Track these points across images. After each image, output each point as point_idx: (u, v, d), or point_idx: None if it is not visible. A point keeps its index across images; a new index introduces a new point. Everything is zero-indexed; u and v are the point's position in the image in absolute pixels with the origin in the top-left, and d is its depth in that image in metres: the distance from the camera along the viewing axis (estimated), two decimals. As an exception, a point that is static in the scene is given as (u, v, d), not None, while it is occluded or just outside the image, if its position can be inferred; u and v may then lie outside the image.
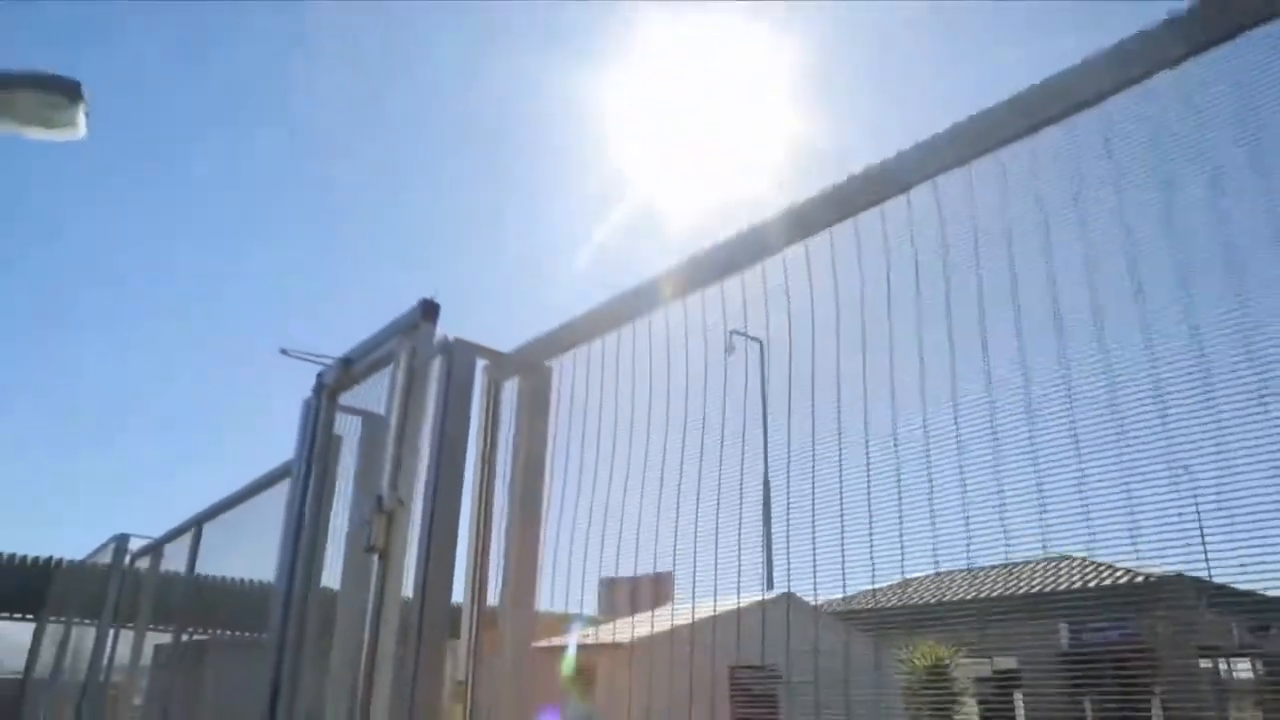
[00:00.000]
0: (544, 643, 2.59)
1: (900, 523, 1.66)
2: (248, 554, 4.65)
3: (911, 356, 1.74)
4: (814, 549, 1.78)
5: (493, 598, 2.47)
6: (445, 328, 2.52)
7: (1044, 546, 1.57)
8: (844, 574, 1.73)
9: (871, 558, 1.74)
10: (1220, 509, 1.33)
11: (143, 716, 5.95)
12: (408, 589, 2.34)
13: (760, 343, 2.07)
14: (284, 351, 2.98)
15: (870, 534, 1.74)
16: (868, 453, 1.74)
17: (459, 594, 2.43)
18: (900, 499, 1.70)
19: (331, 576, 3.11)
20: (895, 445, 1.73)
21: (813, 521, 1.83)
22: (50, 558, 15.98)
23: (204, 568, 5.54)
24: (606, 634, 2.56)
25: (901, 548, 1.65)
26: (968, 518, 1.62)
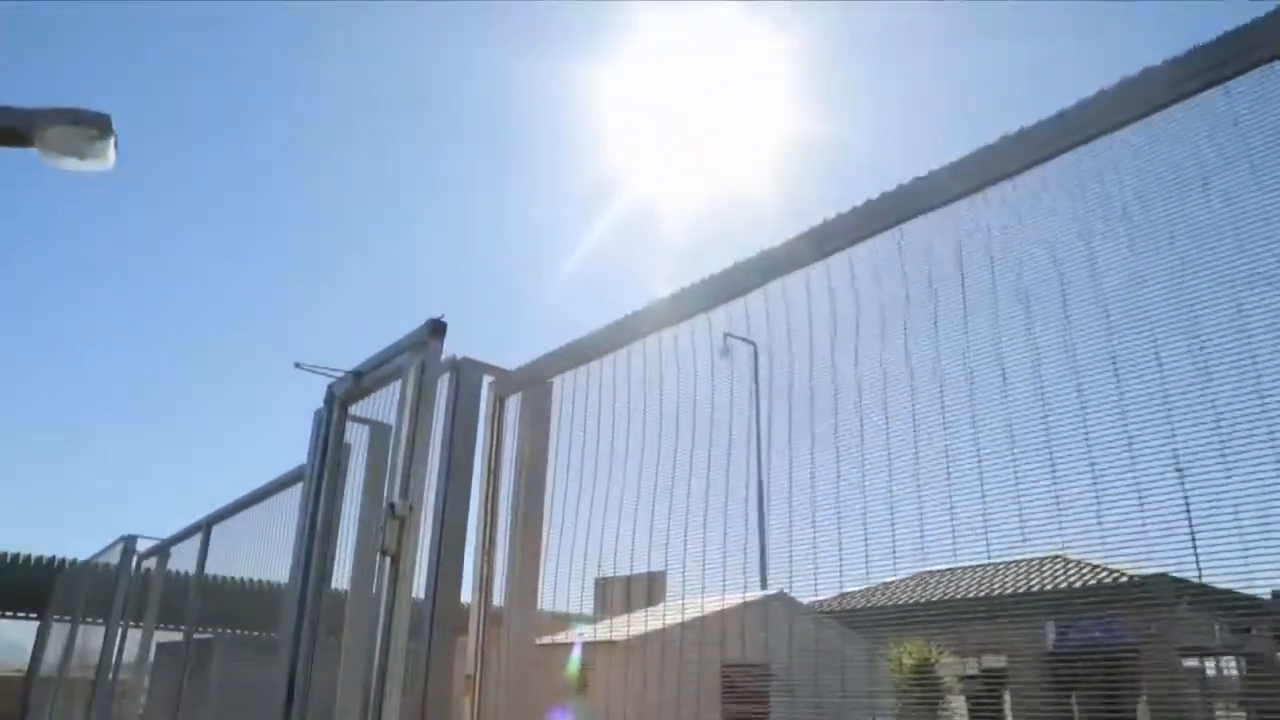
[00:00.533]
0: (546, 639, 2.76)
1: (862, 524, 1.83)
2: (253, 556, 4.80)
3: (903, 371, 1.90)
4: (790, 547, 1.95)
5: (497, 598, 2.64)
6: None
7: (1025, 541, 1.71)
8: (815, 574, 1.90)
9: (844, 557, 1.90)
10: (1210, 512, 1.44)
11: (152, 712, 6.09)
12: (418, 589, 2.51)
13: (754, 345, 2.23)
14: (298, 365, 3.15)
15: (853, 534, 1.89)
16: (839, 461, 1.91)
17: (466, 594, 2.61)
18: (863, 502, 1.87)
19: (340, 577, 3.27)
20: (858, 453, 1.90)
21: (790, 522, 1.99)
22: (53, 557, 16.10)
23: (207, 568, 5.69)
24: (604, 632, 2.73)
25: (862, 549, 1.83)
26: (954, 519, 1.74)
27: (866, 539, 1.83)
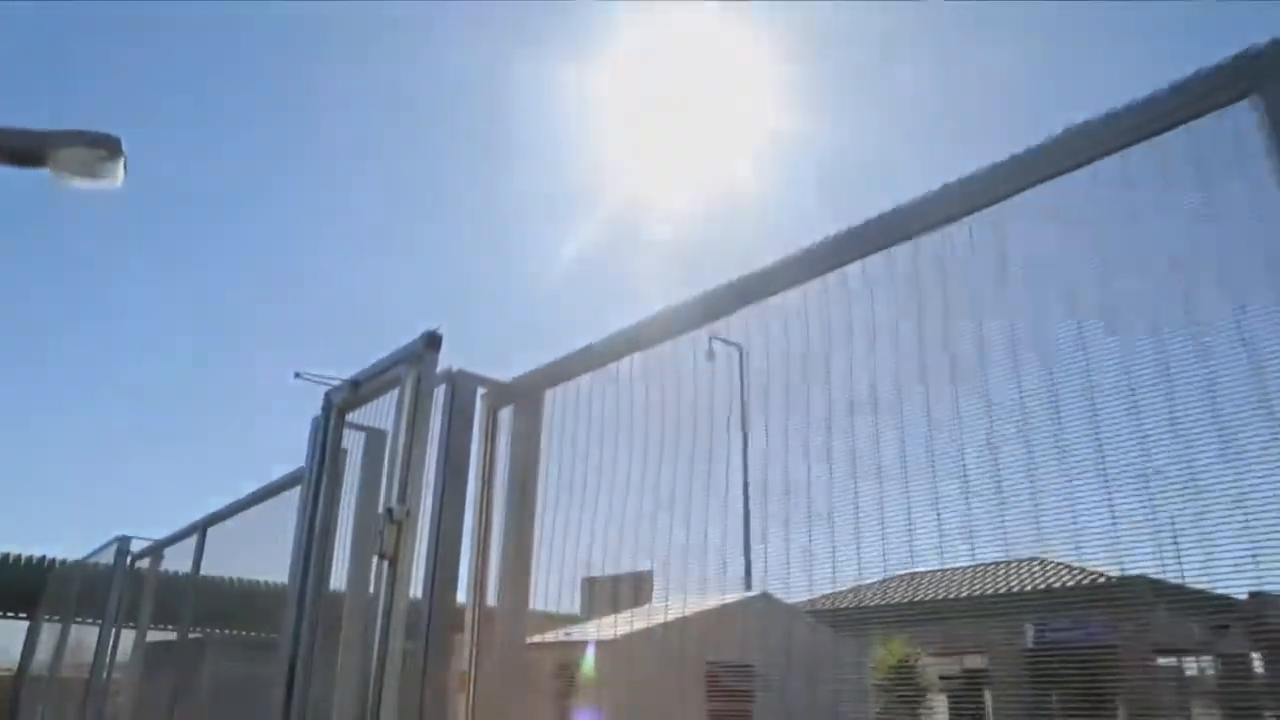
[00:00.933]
0: (537, 638, 2.89)
1: (852, 525, 1.96)
2: (247, 557, 4.90)
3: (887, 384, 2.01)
4: (765, 548, 2.08)
5: (491, 598, 2.76)
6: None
7: (968, 550, 1.84)
8: (788, 575, 2.03)
9: (823, 560, 2.03)
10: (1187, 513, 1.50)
11: (145, 711, 6.17)
12: (415, 591, 2.62)
13: (739, 348, 2.34)
14: (298, 375, 3.26)
15: (836, 538, 2.01)
16: (810, 466, 2.04)
17: (461, 595, 2.73)
18: (851, 503, 1.99)
19: (338, 577, 3.37)
20: (847, 458, 2.03)
21: (765, 524, 2.12)
22: (43, 557, 16.12)
23: (201, 569, 5.77)
24: (592, 631, 2.85)
25: (846, 552, 1.96)
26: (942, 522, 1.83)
27: (833, 538, 1.95)
